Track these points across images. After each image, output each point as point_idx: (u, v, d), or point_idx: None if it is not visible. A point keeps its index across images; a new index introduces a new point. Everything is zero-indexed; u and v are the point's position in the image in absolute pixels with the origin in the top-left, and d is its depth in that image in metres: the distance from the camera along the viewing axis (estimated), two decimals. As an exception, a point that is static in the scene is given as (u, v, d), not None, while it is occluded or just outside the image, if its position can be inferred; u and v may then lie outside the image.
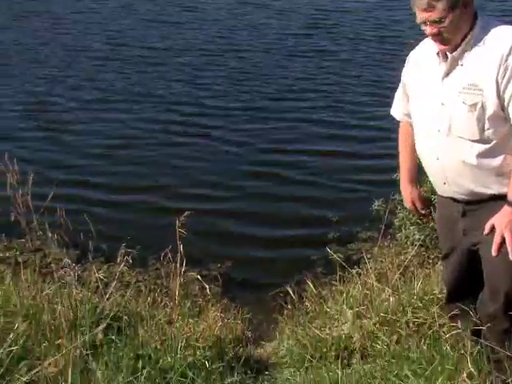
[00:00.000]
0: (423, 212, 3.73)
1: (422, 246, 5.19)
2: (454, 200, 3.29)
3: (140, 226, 6.92)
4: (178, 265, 4.17)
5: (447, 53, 3.10)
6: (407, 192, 3.65)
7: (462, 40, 3.04)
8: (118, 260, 4.33)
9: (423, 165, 3.40)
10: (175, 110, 10.59)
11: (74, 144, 9.26)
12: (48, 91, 11.46)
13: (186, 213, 4.18)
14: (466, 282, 3.42)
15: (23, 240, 4.78)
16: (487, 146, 3.05)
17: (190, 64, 13.02)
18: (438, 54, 3.14)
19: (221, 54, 13.59)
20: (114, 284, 4.30)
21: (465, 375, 3.26)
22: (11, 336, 3.46)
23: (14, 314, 3.80)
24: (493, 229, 3.08)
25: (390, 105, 3.70)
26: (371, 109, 10.31)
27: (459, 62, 3.07)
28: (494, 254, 3.06)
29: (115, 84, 11.85)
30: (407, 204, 3.73)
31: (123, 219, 7.12)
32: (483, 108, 2.99)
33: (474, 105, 3.00)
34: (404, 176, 3.67)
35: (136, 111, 10.53)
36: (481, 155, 3.07)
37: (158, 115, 10.38)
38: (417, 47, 3.40)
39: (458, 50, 3.05)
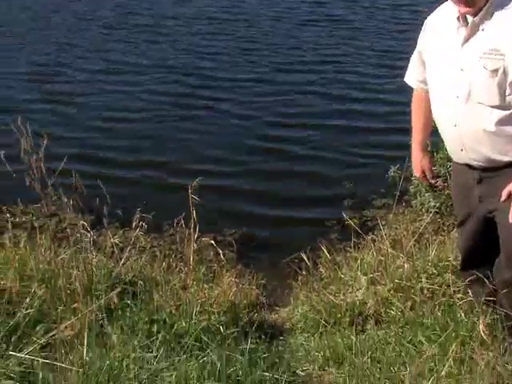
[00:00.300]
0: (432, 182, 3.73)
1: (437, 212, 5.18)
2: (470, 167, 3.28)
3: (150, 196, 6.90)
4: (192, 230, 4.18)
5: (468, 17, 3.06)
6: (417, 160, 3.65)
7: (484, 4, 3.00)
8: (133, 225, 4.34)
9: (440, 131, 3.38)
10: (182, 82, 10.54)
11: (79, 116, 9.25)
12: (56, 61, 11.43)
13: (197, 178, 4.17)
14: (481, 249, 3.42)
15: (39, 205, 4.78)
16: (507, 112, 3.03)
17: (199, 33, 12.95)
18: (458, 18, 3.10)
19: (230, 23, 13.50)
20: (129, 249, 4.34)
21: (478, 342, 3.27)
22: (28, 300, 3.51)
23: (31, 279, 3.83)
24: (510, 195, 3.07)
25: (401, 76, 3.67)
26: (382, 81, 10.25)
27: (480, 27, 3.03)
28: (511, 220, 3.05)
29: (124, 54, 11.82)
30: (416, 172, 3.73)
31: (134, 189, 7.14)
32: (505, 73, 2.95)
33: (496, 70, 2.96)
34: (416, 144, 3.66)
35: (143, 83, 10.48)
36: (500, 122, 3.05)
37: (165, 87, 10.33)
38: (433, 13, 3.35)
39: (480, 14, 3.01)
